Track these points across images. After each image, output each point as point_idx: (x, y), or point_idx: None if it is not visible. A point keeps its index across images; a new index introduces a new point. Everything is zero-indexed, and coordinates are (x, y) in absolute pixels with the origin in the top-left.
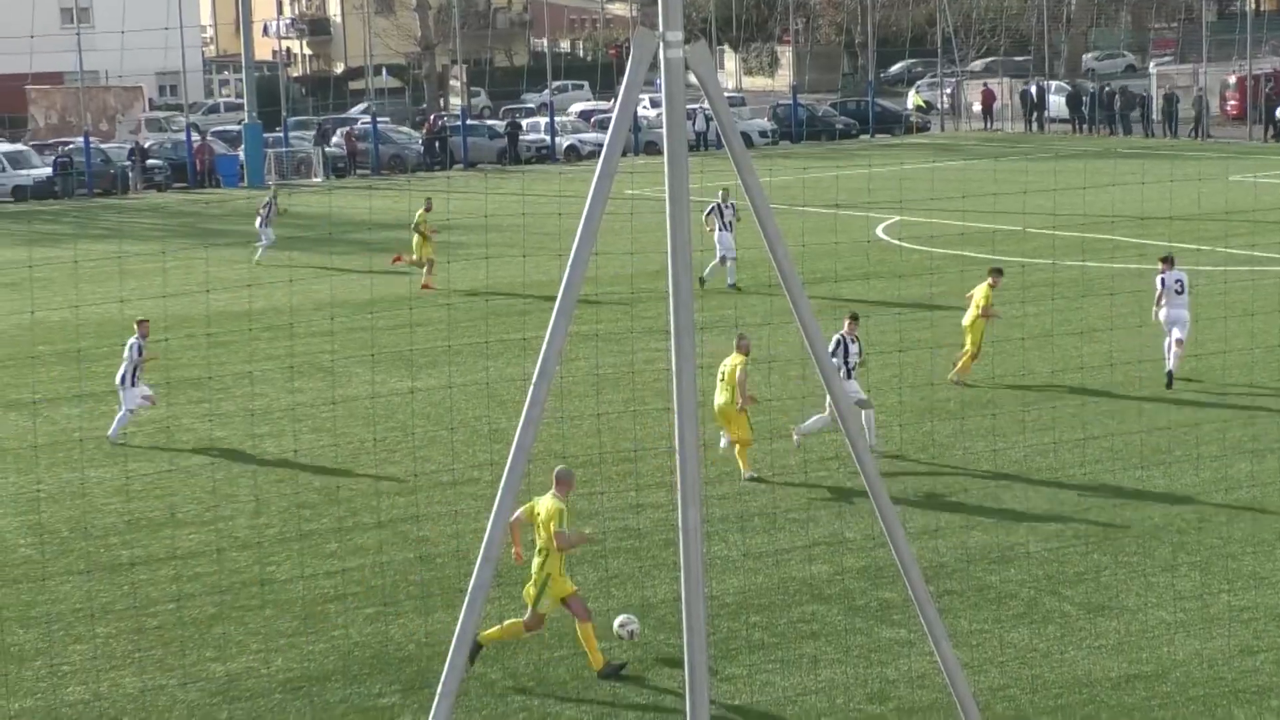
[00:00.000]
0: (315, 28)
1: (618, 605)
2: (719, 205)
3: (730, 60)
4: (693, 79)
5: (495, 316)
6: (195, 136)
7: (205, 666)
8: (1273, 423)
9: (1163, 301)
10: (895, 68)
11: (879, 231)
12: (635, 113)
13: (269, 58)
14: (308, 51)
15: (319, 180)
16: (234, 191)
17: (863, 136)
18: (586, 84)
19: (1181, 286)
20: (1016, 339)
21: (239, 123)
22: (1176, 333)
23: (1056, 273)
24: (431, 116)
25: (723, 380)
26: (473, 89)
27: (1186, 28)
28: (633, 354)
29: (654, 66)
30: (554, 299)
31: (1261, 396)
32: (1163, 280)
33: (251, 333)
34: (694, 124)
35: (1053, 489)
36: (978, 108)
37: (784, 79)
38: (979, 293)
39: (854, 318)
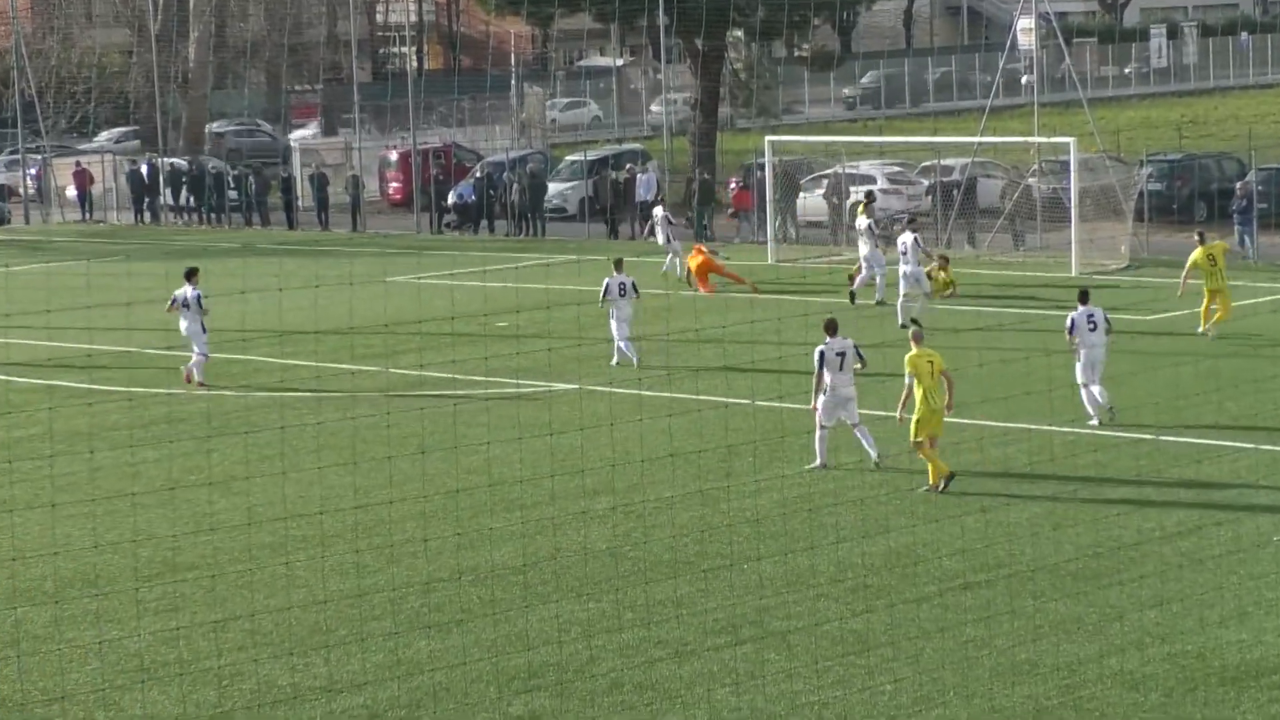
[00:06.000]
0: None
1: None
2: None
3: None
4: None
5: None
6: None
7: None
8: (454, 591)
9: None
10: None
11: None
12: None
13: None
14: None
15: None
16: None
17: None
18: None
19: None
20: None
21: None
22: None
23: (178, 405)
24: None
25: (931, 379)
26: None
27: (333, 91)
28: None
29: None
30: None
31: (439, 556)
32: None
33: None
34: None
35: (186, 682)
36: (72, 193)
37: None
38: None
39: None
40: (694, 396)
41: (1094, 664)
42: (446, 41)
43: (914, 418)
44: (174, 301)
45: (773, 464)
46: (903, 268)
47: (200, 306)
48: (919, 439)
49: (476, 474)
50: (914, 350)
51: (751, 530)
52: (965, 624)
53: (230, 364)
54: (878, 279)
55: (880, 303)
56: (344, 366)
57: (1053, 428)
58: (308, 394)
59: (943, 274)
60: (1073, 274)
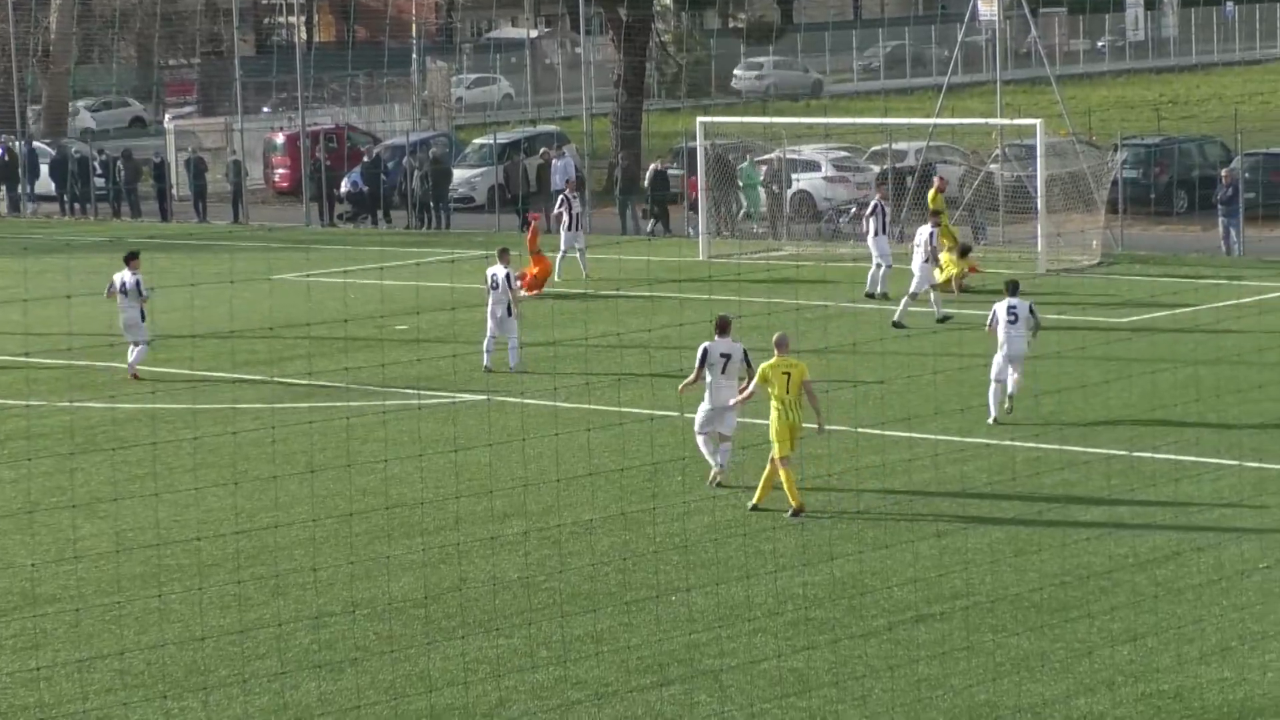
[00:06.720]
0: None
1: None
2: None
3: None
4: None
5: None
6: None
7: None
8: (347, 627)
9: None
10: None
11: None
12: None
13: None
14: None
15: None
16: None
17: None
18: None
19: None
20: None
21: None
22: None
23: (37, 418)
24: None
25: (787, 393)
26: None
27: (212, 65)
28: None
29: None
30: None
31: (330, 587)
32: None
33: None
34: None
35: None
36: None
37: None
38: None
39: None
40: (616, 408)
41: (1060, 705)
42: (339, 10)
43: (772, 432)
44: (111, 287)
45: (703, 484)
46: (915, 261)
47: (140, 293)
48: (783, 455)
49: (372, 495)
50: (774, 358)
51: (680, 558)
52: (918, 661)
53: (95, 372)
54: (882, 270)
55: (883, 295)
56: (224, 375)
57: (1015, 443)
58: (183, 406)
59: (964, 262)
60: (1040, 271)
